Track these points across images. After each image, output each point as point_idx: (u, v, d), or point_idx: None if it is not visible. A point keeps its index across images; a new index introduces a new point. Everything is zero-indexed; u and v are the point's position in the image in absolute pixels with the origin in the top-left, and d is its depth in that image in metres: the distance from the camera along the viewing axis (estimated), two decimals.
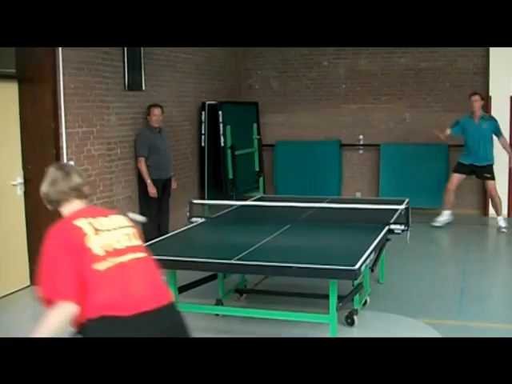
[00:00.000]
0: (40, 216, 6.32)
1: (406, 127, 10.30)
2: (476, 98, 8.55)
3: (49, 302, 3.02)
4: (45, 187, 3.11)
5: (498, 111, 9.50)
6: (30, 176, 6.29)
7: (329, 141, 10.68)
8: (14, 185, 6.22)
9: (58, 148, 6.28)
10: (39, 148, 6.26)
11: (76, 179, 3.08)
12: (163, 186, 7.64)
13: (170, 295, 3.00)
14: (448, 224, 8.79)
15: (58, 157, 6.27)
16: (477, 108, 8.55)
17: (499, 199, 8.66)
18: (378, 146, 10.39)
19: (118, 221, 3.02)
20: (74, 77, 6.51)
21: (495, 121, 8.60)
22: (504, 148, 8.59)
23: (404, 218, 5.34)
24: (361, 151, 10.71)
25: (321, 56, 10.66)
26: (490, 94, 9.60)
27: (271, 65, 11.01)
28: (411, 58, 10.22)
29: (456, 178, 8.74)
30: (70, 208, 3.04)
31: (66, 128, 6.35)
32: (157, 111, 7.57)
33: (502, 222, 8.63)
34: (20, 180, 6.27)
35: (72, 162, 6.42)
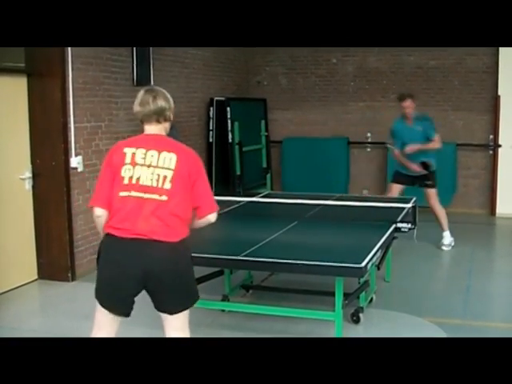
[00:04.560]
0: (48, 210, 6.36)
1: None
2: (407, 103, 7.45)
3: None
4: (135, 107, 3.51)
5: (507, 110, 9.49)
6: (39, 170, 6.32)
7: (336, 138, 10.67)
8: (22, 179, 6.25)
9: (66, 142, 6.30)
10: (47, 142, 6.28)
11: (160, 103, 3.45)
12: None
13: (177, 237, 3.26)
14: (452, 230, 7.92)
15: (66, 151, 6.29)
16: (409, 113, 7.46)
17: (442, 210, 7.69)
18: (385, 143, 10.36)
19: (163, 160, 3.29)
20: (83, 72, 6.53)
21: (429, 120, 7.57)
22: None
23: (411, 217, 5.33)
24: (368, 149, 10.70)
25: (329, 53, 10.64)
26: (499, 93, 9.57)
27: (280, 61, 11.00)
28: (420, 56, 10.18)
29: (395, 188, 7.66)
30: (146, 129, 3.47)
31: (74, 123, 6.37)
32: None
33: (446, 239, 7.75)
34: (28, 174, 6.29)
35: (80, 157, 6.44)
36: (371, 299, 5.63)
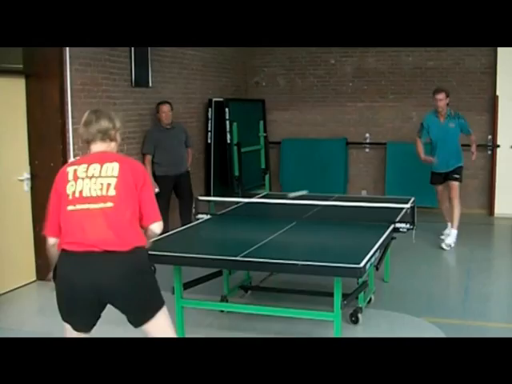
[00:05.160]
0: (46, 211, 6.34)
1: (412, 126, 10.23)
2: (440, 96, 7.60)
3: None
4: (79, 129, 3.50)
5: (506, 111, 9.50)
6: (37, 171, 6.31)
7: (335, 139, 10.67)
8: (20, 180, 6.25)
9: (64, 144, 6.30)
10: (46, 144, 6.28)
11: (104, 123, 3.43)
12: (175, 182, 7.70)
13: (129, 245, 3.20)
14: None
15: (64, 152, 6.29)
16: (441, 108, 7.65)
17: (459, 207, 7.79)
18: (385, 144, 10.38)
19: (105, 169, 3.29)
20: (81, 73, 6.53)
21: (464, 119, 7.77)
22: (471, 143, 7.90)
23: (410, 217, 5.33)
24: (367, 149, 10.70)
25: (328, 54, 10.65)
26: (498, 93, 9.59)
27: (278, 62, 11.01)
28: (418, 56, 10.19)
29: (439, 188, 7.97)
30: (92, 149, 3.44)
31: (72, 124, 6.37)
32: (165, 108, 7.62)
33: (451, 238, 7.80)
34: (27, 175, 6.29)
35: (78, 157, 6.43)
36: (370, 299, 5.63)
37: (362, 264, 4.09)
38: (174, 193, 7.80)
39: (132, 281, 3.19)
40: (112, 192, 3.23)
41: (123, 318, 3.34)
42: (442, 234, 8.11)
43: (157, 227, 3.41)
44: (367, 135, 10.61)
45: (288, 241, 5.00)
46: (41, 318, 5.68)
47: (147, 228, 3.38)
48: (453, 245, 7.77)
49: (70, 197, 3.25)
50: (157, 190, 7.47)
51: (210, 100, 9.44)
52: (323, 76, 10.79)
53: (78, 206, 3.23)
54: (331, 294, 4.50)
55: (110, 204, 3.22)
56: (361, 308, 5.22)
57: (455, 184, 7.78)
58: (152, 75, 7.91)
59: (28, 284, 6.36)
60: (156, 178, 7.51)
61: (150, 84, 7.90)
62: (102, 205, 3.21)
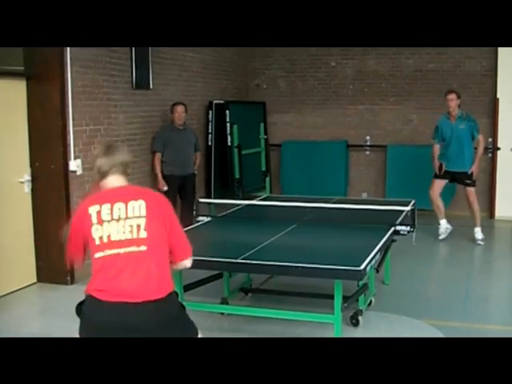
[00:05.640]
0: (47, 213, 6.35)
1: (413, 128, 10.28)
2: (452, 96, 7.90)
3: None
4: (98, 160, 3.26)
5: (506, 113, 9.50)
6: (38, 173, 6.32)
7: (335, 141, 10.68)
8: (21, 182, 6.25)
9: (65, 146, 6.30)
10: (47, 145, 6.28)
11: (126, 156, 3.29)
12: (180, 182, 7.79)
13: (165, 291, 3.03)
14: (451, 233, 8.37)
15: (65, 154, 6.29)
16: (453, 108, 7.93)
17: (479, 208, 8.13)
18: (385, 147, 10.38)
19: (131, 209, 3.09)
20: (82, 75, 6.53)
21: (473, 121, 7.97)
22: (475, 149, 8.06)
23: (410, 220, 5.33)
24: (367, 152, 10.70)
25: (328, 56, 10.65)
26: (498, 96, 9.59)
27: (279, 65, 11.01)
28: (419, 59, 10.20)
29: (438, 183, 8.20)
30: (110, 182, 3.23)
31: (73, 126, 6.37)
32: (179, 109, 7.81)
33: (479, 234, 8.12)
34: (27, 177, 6.29)
35: (79, 160, 6.44)
36: (370, 302, 5.63)
37: (362, 266, 4.10)
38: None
39: (167, 328, 3.02)
40: (143, 234, 3.04)
41: None
42: (439, 235, 8.25)
43: (189, 262, 3.32)
44: (368, 138, 10.61)
45: (288, 243, 5.00)
46: (41, 320, 5.68)
47: (178, 263, 3.27)
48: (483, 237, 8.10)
49: (98, 242, 3.03)
50: (165, 188, 7.56)
51: (211, 102, 9.45)
52: (324, 78, 10.80)
53: (108, 252, 3.01)
54: (331, 297, 4.51)
55: (143, 248, 3.02)
56: (361, 310, 5.22)
57: (472, 190, 8.05)
58: (153, 77, 7.92)
59: (28, 286, 6.35)
60: (163, 176, 7.68)
61: (151, 86, 7.91)
62: (134, 248, 3.02)
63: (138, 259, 3.01)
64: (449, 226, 8.35)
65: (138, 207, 3.09)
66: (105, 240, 3.03)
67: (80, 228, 3.12)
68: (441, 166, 8.06)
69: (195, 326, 3.25)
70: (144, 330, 2.95)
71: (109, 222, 3.05)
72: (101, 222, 3.05)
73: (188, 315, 3.26)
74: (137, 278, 2.98)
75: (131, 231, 3.04)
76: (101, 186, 3.27)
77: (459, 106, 7.97)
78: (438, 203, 8.26)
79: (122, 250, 3.01)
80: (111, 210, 3.07)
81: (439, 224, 8.29)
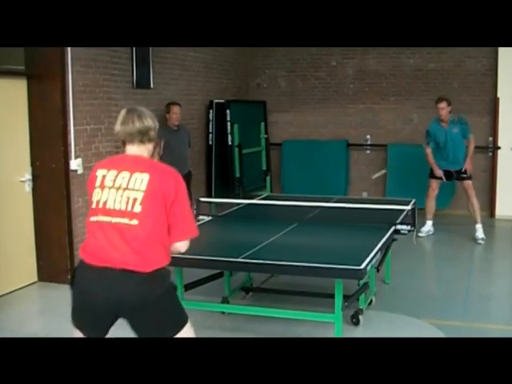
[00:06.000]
0: (48, 212, 6.36)
1: (413, 128, 10.28)
2: (442, 105, 8.04)
3: None
4: (116, 126, 3.26)
5: (507, 112, 9.50)
6: (38, 172, 6.32)
7: (336, 140, 10.68)
8: (22, 181, 6.26)
9: (66, 145, 6.30)
10: (47, 145, 6.29)
11: (146, 122, 3.19)
12: None
13: (150, 266, 3.00)
14: (432, 235, 8.47)
15: (66, 154, 6.30)
16: (444, 116, 8.07)
17: (477, 202, 8.27)
18: (386, 146, 10.39)
19: (134, 181, 3.06)
20: (83, 74, 6.54)
21: (465, 123, 8.17)
22: (467, 149, 8.23)
23: (410, 219, 5.34)
24: (368, 151, 10.70)
25: (329, 56, 10.65)
26: (498, 95, 9.59)
27: (279, 64, 11.01)
28: (419, 58, 10.20)
29: (434, 183, 8.37)
30: (128, 150, 3.21)
31: (74, 125, 6.38)
32: (176, 109, 7.77)
33: (479, 233, 8.16)
34: (28, 176, 6.30)
35: (80, 159, 6.44)
36: (371, 301, 5.63)
37: (362, 266, 4.11)
38: None
39: (151, 304, 2.99)
40: (138, 208, 3.00)
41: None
42: (420, 232, 8.29)
43: (182, 246, 3.17)
44: (368, 137, 10.61)
45: (289, 242, 5.00)
46: (42, 319, 5.69)
47: (173, 243, 3.16)
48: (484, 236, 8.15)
49: (94, 205, 3.08)
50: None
51: (212, 101, 9.45)
52: (324, 78, 10.80)
53: (101, 218, 3.04)
54: (332, 296, 4.52)
55: (134, 221, 2.99)
56: (361, 310, 5.23)
57: (469, 183, 8.24)
58: (153, 77, 7.92)
59: (29, 285, 6.36)
60: None
61: (152, 85, 7.92)
62: (126, 220, 3.00)
63: (127, 231, 3.00)
64: (431, 230, 8.51)
65: (141, 180, 3.05)
66: (100, 205, 3.05)
67: (89, 188, 3.14)
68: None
69: (185, 313, 3.19)
70: (126, 303, 2.96)
71: (109, 188, 3.06)
72: (102, 186, 3.08)
73: (179, 299, 3.20)
74: (123, 248, 2.98)
75: (127, 203, 3.02)
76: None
77: (450, 111, 8.11)
78: (432, 204, 8.46)
79: (113, 220, 3.02)
80: (116, 177, 3.07)
81: (425, 223, 8.44)
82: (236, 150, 9.43)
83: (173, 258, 4.22)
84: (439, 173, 8.25)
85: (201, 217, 5.81)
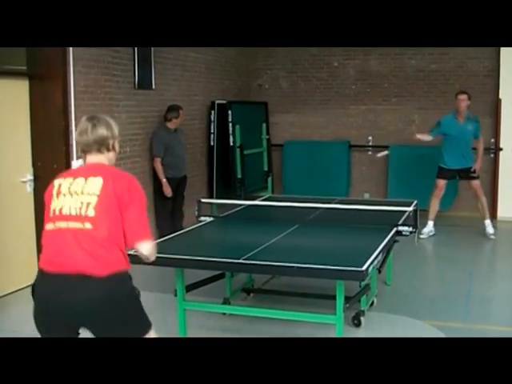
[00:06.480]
0: None
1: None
2: (463, 97, 8.14)
3: None
4: (75, 136, 3.30)
5: (508, 114, 9.49)
6: (40, 173, 6.32)
7: (338, 141, 10.67)
8: (23, 182, 6.25)
9: (67, 145, 6.30)
10: (49, 145, 6.28)
11: (101, 132, 3.19)
12: (177, 184, 7.85)
13: (106, 270, 2.96)
14: (433, 236, 8.46)
15: (67, 154, 6.30)
16: (463, 108, 8.14)
17: (485, 200, 8.44)
18: (387, 147, 10.36)
19: (89, 186, 3.06)
20: (84, 75, 6.54)
21: (479, 122, 8.28)
22: (477, 149, 8.34)
23: (412, 220, 5.33)
24: (370, 152, 10.69)
25: (331, 56, 10.65)
26: (500, 96, 9.58)
27: (281, 65, 11.01)
28: (421, 59, 10.19)
29: (441, 183, 8.39)
30: (87, 160, 3.23)
31: (75, 125, 6.36)
32: (182, 113, 7.85)
33: (490, 228, 8.39)
34: (30, 177, 6.29)
35: (81, 160, 6.43)
36: (372, 302, 5.62)
37: (364, 267, 4.09)
38: None
39: (109, 308, 2.95)
40: (91, 212, 2.99)
41: None
42: (422, 233, 8.25)
43: (143, 248, 3.09)
44: (370, 138, 10.60)
45: (290, 244, 5.00)
46: None
47: (132, 247, 3.10)
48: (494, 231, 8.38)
49: (51, 214, 3.10)
50: (170, 195, 7.58)
51: (213, 102, 9.45)
52: (326, 79, 10.80)
53: (58, 224, 3.04)
54: (333, 297, 4.50)
55: (88, 225, 2.98)
56: (363, 311, 5.22)
57: (477, 183, 8.32)
58: (155, 77, 7.92)
59: (30, 286, 6.34)
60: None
61: (153, 86, 7.91)
62: (79, 225, 2.99)
63: (81, 235, 2.98)
64: (433, 230, 8.49)
65: (95, 185, 3.05)
66: (56, 212, 3.07)
67: (47, 199, 3.18)
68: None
69: (148, 320, 3.13)
70: (83, 303, 2.92)
71: (65, 195, 3.08)
72: (58, 194, 3.10)
73: (141, 305, 3.12)
74: (78, 252, 2.95)
75: (80, 208, 3.02)
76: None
77: (468, 107, 8.16)
78: (437, 204, 8.46)
79: (69, 224, 3.02)
80: (71, 184, 3.10)
81: (426, 224, 8.43)
82: (237, 150, 9.43)
83: (174, 259, 4.21)
84: (423, 137, 8.25)
85: (202, 218, 5.81)
